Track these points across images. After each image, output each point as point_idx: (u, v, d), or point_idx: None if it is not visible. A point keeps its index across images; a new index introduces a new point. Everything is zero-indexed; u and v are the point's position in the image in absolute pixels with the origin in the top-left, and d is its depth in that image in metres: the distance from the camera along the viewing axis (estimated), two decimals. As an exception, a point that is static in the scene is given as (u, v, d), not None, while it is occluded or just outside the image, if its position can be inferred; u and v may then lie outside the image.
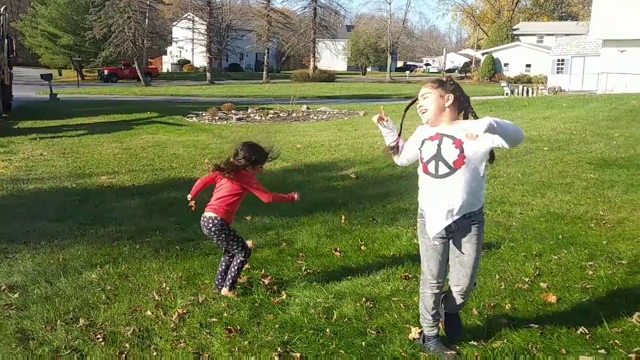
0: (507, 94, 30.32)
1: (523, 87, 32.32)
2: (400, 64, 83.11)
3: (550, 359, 2.96)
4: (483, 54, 54.44)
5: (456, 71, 72.85)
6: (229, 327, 3.35)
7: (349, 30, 73.15)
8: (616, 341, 3.11)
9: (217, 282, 3.92)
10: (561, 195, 6.51)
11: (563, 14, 71.82)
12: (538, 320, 3.38)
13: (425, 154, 2.88)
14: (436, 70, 76.23)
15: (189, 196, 3.92)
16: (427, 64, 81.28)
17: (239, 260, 3.83)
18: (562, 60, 36.44)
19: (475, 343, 3.13)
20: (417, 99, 2.95)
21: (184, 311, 3.58)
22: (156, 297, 3.81)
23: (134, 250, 4.81)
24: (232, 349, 3.12)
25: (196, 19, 50.54)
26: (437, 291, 3.02)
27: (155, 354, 3.10)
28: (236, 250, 3.82)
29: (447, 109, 2.86)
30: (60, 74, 42.82)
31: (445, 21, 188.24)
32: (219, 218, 3.71)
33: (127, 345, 3.18)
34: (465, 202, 2.82)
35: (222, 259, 3.97)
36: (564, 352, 3.01)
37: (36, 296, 3.84)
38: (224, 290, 3.84)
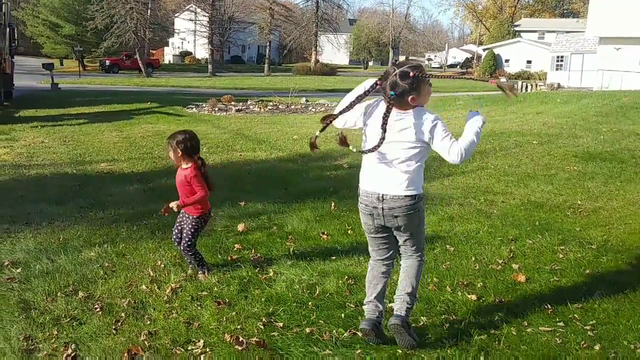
0: (506, 89, 30.43)
1: (522, 83, 32.51)
2: (402, 58, 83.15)
3: (513, 330, 3.21)
4: (484, 50, 54.50)
5: (458, 66, 72.96)
6: (218, 300, 3.60)
7: (351, 24, 73.23)
8: (575, 315, 3.37)
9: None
10: (543, 185, 6.75)
11: (565, 11, 71.87)
12: (506, 298, 3.63)
13: None
14: (438, 66, 76.26)
15: None
16: (429, 59, 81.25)
17: None
18: (562, 57, 36.57)
19: (446, 317, 3.38)
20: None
21: (177, 286, 3.83)
22: (151, 273, 4.05)
23: (132, 231, 5.04)
24: (220, 319, 3.37)
25: (198, 10, 50.55)
26: None
27: (149, 322, 3.35)
28: None
29: None
30: (61, 64, 42.91)
31: (447, 16, 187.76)
32: None
33: (122, 314, 3.43)
34: None
35: None
36: (526, 325, 3.26)
37: (37, 271, 4.08)
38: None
